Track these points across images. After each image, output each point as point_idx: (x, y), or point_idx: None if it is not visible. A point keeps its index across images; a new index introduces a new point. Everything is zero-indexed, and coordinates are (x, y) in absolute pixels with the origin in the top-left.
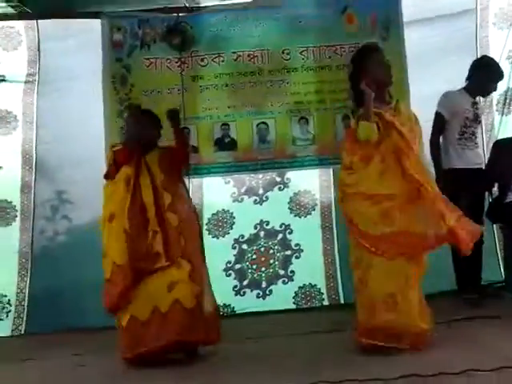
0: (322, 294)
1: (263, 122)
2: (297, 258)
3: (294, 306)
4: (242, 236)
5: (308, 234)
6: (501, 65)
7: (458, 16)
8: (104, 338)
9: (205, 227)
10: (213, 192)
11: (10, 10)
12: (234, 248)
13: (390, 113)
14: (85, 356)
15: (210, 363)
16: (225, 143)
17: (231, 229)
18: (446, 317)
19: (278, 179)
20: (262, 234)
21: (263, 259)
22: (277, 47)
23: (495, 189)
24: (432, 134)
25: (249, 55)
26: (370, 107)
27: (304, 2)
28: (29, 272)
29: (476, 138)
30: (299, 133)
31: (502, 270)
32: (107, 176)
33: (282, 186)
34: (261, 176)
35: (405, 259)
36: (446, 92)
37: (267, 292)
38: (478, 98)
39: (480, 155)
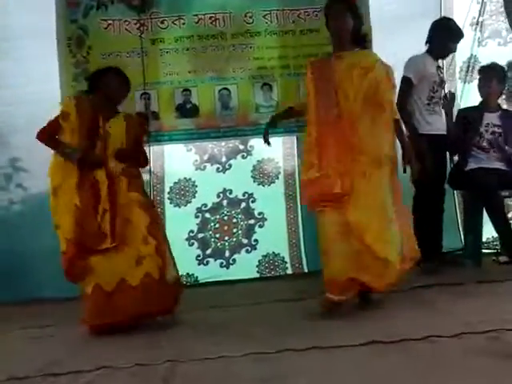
0: (286, 262)
1: (225, 88)
2: (260, 226)
3: (257, 275)
4: (205, 205)
5: (271, 202)
6: (464, 31)
7: None
8: (61, 308)
9: (166, 196)
10: (174, 160)
11: None
12: (196, 217)
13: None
14: (43, 328)
15: (175, 331)
16: (186, 109)
17: (194, 197)
18: (407, 285)
19: (241, 147)
20: (225, 202)
21: (226, 228)
22: (239, 10)
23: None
24: (400, 98)
25: (210, 18)
26: None
27: None
28: None
29: (441, 103)
30: (262, 99)
31: (462, 237)
32: (42, 136)
33: (245, 154)
34: (223, 144)
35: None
36: (412, 57)
37: (230, 261)
38: (440, 62)
39: (444, 121)
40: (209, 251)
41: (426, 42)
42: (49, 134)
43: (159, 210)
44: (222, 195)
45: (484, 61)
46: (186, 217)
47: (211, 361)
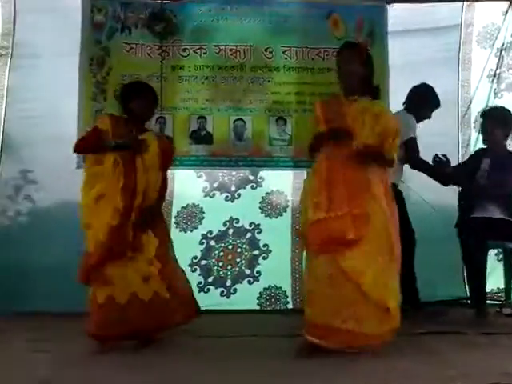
0: (287, 297)
1: (240, 119)
2: (264, 258)
3: (257, 307)
4: (211, 232)
5: (277, 235)
6: (482, 83)
7: (443, 31)
8: (63, 323)
9: (173, 220)
10: (184, 185)
11: None
12: (201, 243)
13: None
14: (42, 342)
15: (164, 353)
16: (200, 136)
17: (200, 224)
18: (408, 330)
19: (252, 177)
20: (230, 231)
21: (230, 257)
22: (260, 44)
23: None
24: (415, 157)
25: (231, 50)
26: None
27: (290, 1)
28: None
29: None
30: (276, 133)
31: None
32: (82, 145)
33: (255, 185)
34: (234, 173)
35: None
36: (404, 114)
37: (232, 291)
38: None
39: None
40: (210, 279)
41: (404, 104)
42: (91, 141)
43: None
44: (228, 224)
45: None
46: (191, 242)
47: None
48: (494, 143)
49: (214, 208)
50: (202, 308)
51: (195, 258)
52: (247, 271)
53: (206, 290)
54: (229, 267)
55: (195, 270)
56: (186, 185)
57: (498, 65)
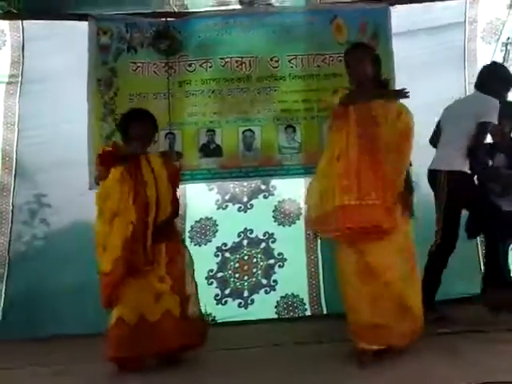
0: (305, 304)
1: (249, 130)
2: (280, 267)
3: (275, 316)
4: (225, 244)
5: (292, 243)
6: None
7: (447, 29)
8: (80, 345)
9: (187, 235)
10: (196, 199)
11: None
12: (216, 256)
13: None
14: (64, 365)
15: (187, 370)
16: (210, 149)
17: (214, 237)
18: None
19: (263, 187)
20: (245, 242)
21: (246, 268)
22: (266, 54)
23: None
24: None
25: (237, 62)
26: None
27: (293, 10)
28: (4, 277)
29: None
30: (285, 141)
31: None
32: (98, 179)
33: (267, 194)
34: (245, 184)
35: None
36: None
37: (249, 301)
38: None
39: None
40: (227, 291)
41: (476, 86)
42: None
43: None
44: (242, 235)
45: None
46: (206, 256)
47: None
48: (503, 136)
49: (227, 220)
50: (220, 320)
51: (211, 270)
52: (264, 281)
53: (223, 302)
54: (245, 278)
55: (212, 282)
56: (198, 198)
57: (504, 59)
